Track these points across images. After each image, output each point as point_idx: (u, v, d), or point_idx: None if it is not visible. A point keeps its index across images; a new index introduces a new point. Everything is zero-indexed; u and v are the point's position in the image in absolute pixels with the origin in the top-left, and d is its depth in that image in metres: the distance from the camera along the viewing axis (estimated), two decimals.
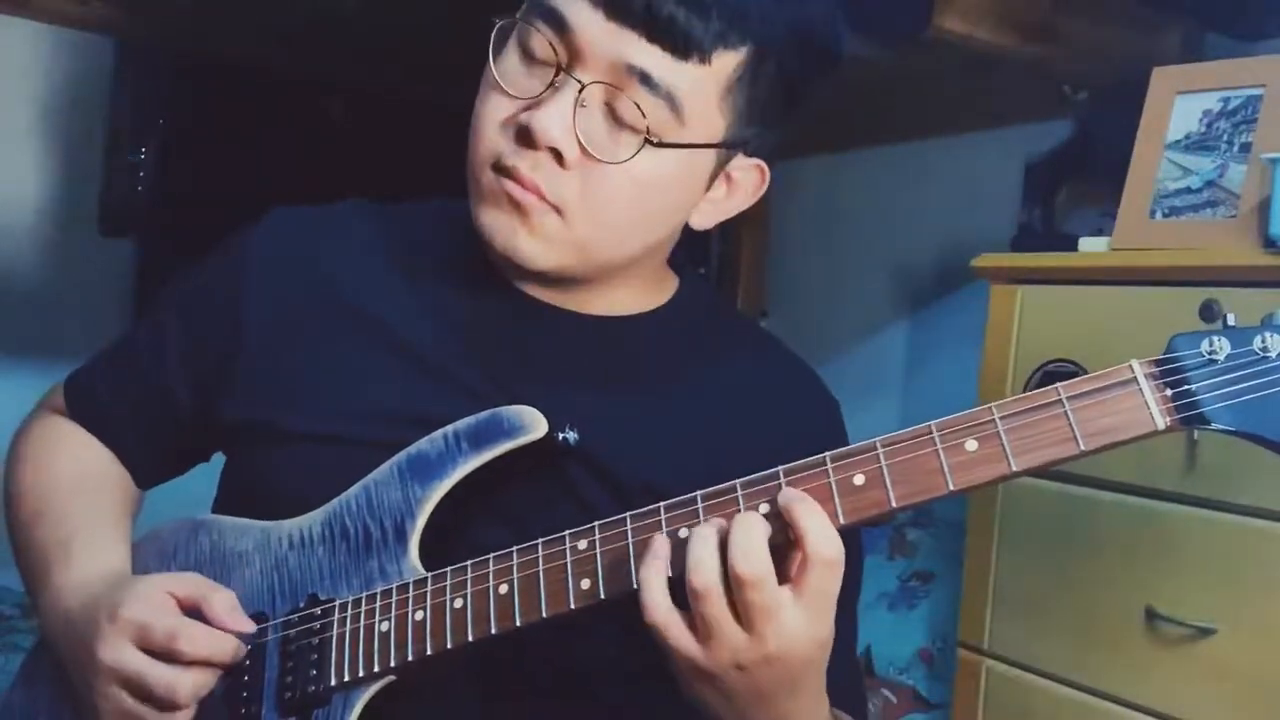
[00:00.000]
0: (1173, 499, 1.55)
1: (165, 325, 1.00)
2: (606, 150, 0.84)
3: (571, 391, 0.91)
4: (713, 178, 0.90)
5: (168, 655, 0.81)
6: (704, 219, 0.93)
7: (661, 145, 0.84)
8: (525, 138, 0.83)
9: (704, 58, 0.82)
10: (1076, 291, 1.69)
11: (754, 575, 0.70)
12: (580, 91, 0.82)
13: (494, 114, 0.86)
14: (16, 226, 2.63)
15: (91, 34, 2.67)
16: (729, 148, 0.88)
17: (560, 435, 0.86)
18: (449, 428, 0.87)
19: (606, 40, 0.82)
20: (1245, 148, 1.57)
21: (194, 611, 0.84)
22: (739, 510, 0.74)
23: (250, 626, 0.86)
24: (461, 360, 0.92)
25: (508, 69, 0.86)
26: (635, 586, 0.75)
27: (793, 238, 3.19)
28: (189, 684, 0.81)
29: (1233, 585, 1.48)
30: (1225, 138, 1.60)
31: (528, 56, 0.85)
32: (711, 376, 0.96)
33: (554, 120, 0.82)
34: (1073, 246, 1.74)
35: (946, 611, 2.07)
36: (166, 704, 0.81)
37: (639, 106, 0.82)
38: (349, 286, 0.96)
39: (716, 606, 0.71)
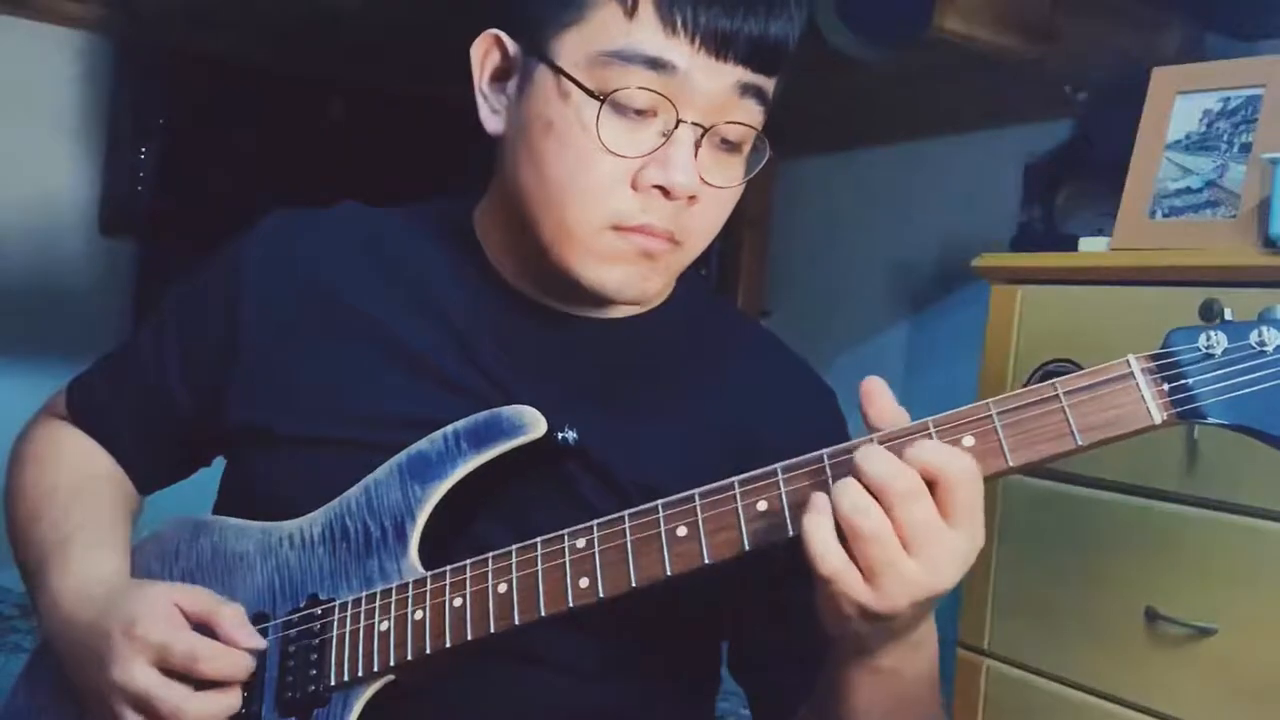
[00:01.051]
0: (1173, 499, 1.55)
1: (165, 331, 1.00)
2: (729, 177, 0.86)
3: (571, 392, 0.91)
4: None
5: (186, 675, 0.81)
6: None
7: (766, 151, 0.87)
8: (662, 193, 0.83)
9: (784, 68, 0.86)
10: (1076, 291, 1.69)
11: (913, 488, 0.67)
12: (701, 136, 0.83)
13: (604, 178, 0.83)
14: (17, 226, 2.64)
15: (91, 34, 2.67)
16: None
17: (559, 435, 0.86)
18: (449, 428, 0.87)
19: (713, 79, 0.82)
20: (1245, 148, 1.57)
21: (202, 627, 0.84)
22: (738, 507, 0.73)
23: (261, 643, 0.85)
24: (460, 361, 0.92)
25: (609, 130, 0.82)
26: (634, 585, 0.75)
27: (793, 238, 3.19)
28: (198, 708, 0.81)
29: (1233, 585, 1.48)
30: (1225, 138, 1.60)
31: (623, 111, 0.82)
32: (710, 376, 0.96)
33: (689, 174, 0.82)
34: (1073, 246, 1.74)
35: (946, 611, 2.07)
36: None
37: (743, 122, 0.85)
38: (347, 289, 0.96)
39: (890, 545, 0.67)
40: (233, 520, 0.95)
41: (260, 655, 0.86)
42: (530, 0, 0.87)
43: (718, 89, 0.82)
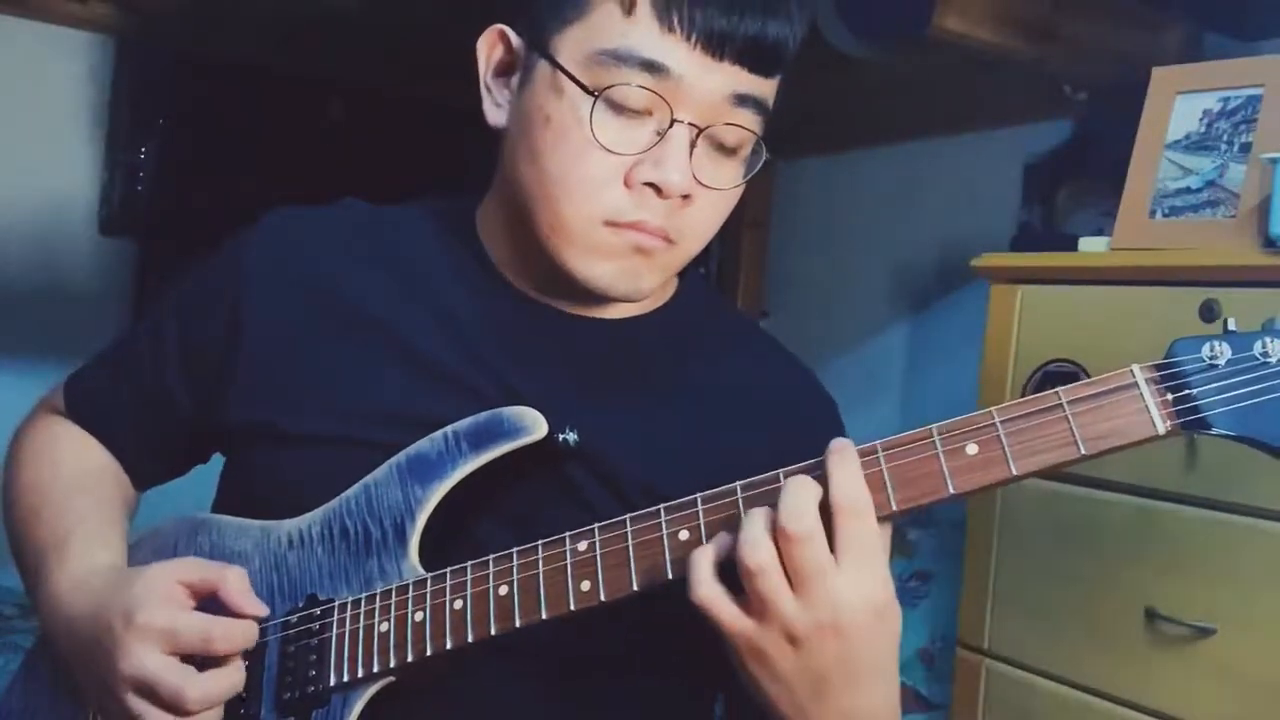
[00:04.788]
0: (1173, 499, 1.55)
1: (164, 328, 1.00)
2: (725, 179, 0.86)
3: (572, 392, 0.91)
4: None
5: (202, 656, 0.81)
6: None
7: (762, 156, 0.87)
8: (654, 191, 0.83)
9: (786, 66, 0.86)
10: (1076, 291, 1.69)
11: (803, 532, 0.68)
12: (696, 137, 0.83)
13: (598, 174, 0.84)
14: (16, 226, 2.64)
15: (91, 34, 2.67)
16: None
17: (560, 436, 0.86)
18: (449, 428, 0.87)
19: (710, 80, 0.82)
20: (1245, 148, 1.57)
21: (207, 596, 0.84)
22: (739, 512, 0.73)
23: (264, 610, 0.85)
24: (461, 360, 0.92)
25: (604, 127, 0.83)
26: (635, 589, 0.75)
27: (793, 238, 3.19)
28: (201, 688, 0.80)
29: (1233, 585, 1.48)
30: (1225, 138, 1.60)
31: (619, 109, 0.83)
32: (712, 377, 0.96)
33: (682, 172, 0.83)
34: (1073, 246, 1.74)
35: (946, 611, 2.07)
36: (174, 708, 0.80)
37: (742, 126, 0.85)
38: (347, 287, 0.95)
39: (771, 580, 0.69)
40: (231, 519, 0.95)
41: (258, 654, 0.86)
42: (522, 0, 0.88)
43: (714, 89, 0.82)
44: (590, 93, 0.82)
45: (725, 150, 0.86)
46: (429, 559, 0.85)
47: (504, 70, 0.91)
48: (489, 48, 0.91)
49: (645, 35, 0.81)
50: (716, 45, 0.81)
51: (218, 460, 1.03)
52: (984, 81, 2.28)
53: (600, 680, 0.91)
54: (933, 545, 2.27)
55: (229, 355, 0.95)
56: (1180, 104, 1.66)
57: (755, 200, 3.17)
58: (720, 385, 0.95)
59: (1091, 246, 1.71)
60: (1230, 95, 1.61)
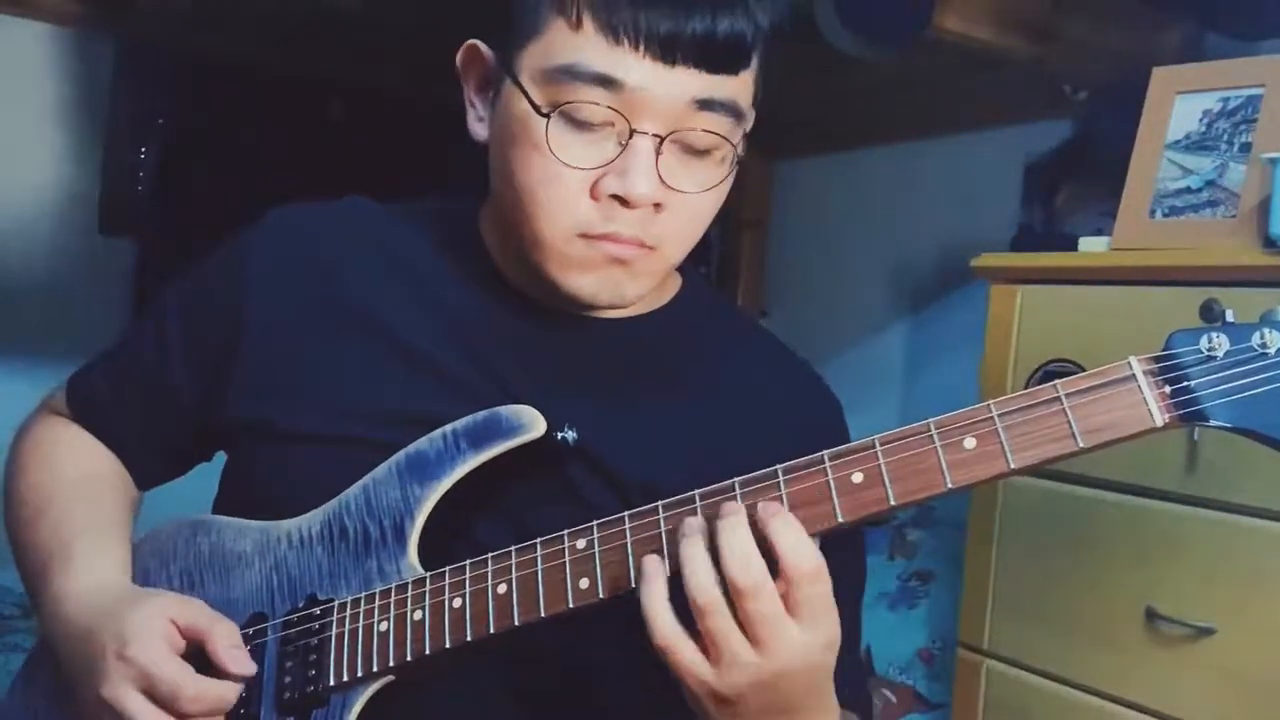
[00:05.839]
0: (1173, 499, 1.55)
1: (167, 326, 1.00)
2: (693, 182, 0.84)
3: (572, 391, 0.91)
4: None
5: (170, 709, 0.80)
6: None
7: (739, 157, 0.85)
8: (620, 203, 0.82)
9: (750, 61, 0.83)
10: (1076, 291, 1.69)
11: (751, 584, 0.70)
12: (660, 144, 0.81)
13: (565, 188, 0.83)
14: (16, 226, 2.64)
15: (91, 34, 2.67)
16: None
17: (559, 435, 0.86)
18: (448, 427, 0.87)
19: (665, 86, 0.80)
20: (1245, 148, 1.57)
21: (196, 643, 0.84)
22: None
23: (251, 669, 0.84)
24: (461, 359, 0.92)
25: (564, 143, 0.82)
26: (634, 587, 0.74)
27: (793, 238, 3.19)
28: None
29: (1233, 585, 1.48)
30: (1225, 138, 1.60)
31: (579, 124, 0.82)
32: (712, 375, 0.96)
33: (647, 181, 0.81)
34: (1073, 246, 1.74)
35: (946, 611, 2.07)
36: None
37: (710, 130, 0.83)
38: (350, 285, 0.95)
39: (722, 620, 0.70)
40: (231, 519, 0.95)
41: (258, 654, 0.86)
42: (499, 13, 0.87)
43: (672, 96, 0.80)
44: (542, 113, 0.82)
45: (696, 152, 0.84)
46: (428, 559, 0.85)
47: (483, 85, 0.90)
48: (465, 63, 0.91)
49: (594, 49, 0.80)
50: (666, 51, 0.79)
51: (219, 460, 1.03)
52: (984, 81, 2.28)
53: (600, 680, 0.91)
54: (933, 545, 2.27)
55: (230, 352, 0.95)
56: (1180, 104, 1.66)
57: (755, 200, 3.17)
58: (721, 384, 0.95)
59: (1091, 246, 1.71)
60: (1230, 95, 1.61)
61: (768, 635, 0.70)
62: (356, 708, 0.83)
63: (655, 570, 0.73)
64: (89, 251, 2.72)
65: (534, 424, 0.84)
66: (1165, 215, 1.64)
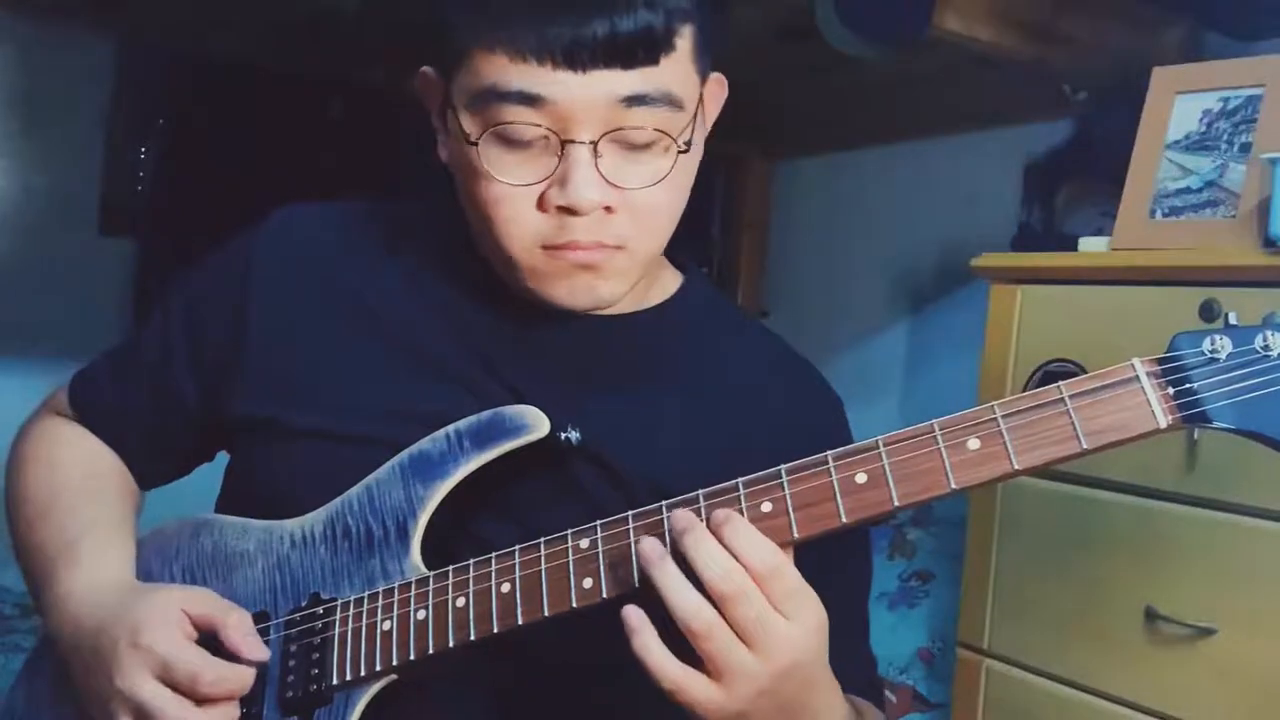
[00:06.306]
0: (1173, 499, 1.55)
1: (170, 326, 1.00)
2: (641, 177, 0.83)
3: (575, 389, 0.91)
4: (703, 119, 0.89)
5: (189, 693, 0.81)
6: (699, 150, 0.91)
7: (687, 144, 0.84)
8: (569, 213, 0.82)
9: (671, 47, 0.81)
10: (1076, 291, 1.69)
11: (736, 590, 0.71)
12: (594, 149, 0.81)
13: (515, 208, 0.83)
14: (16, 226, 2.63)
15: (91, 34, 2.67)
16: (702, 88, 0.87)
17: (562, 435, 0.86)
18: (451, 427, 0.87)
19: (584, 92, 0.79)
20: (1245, 148, 1.57)
21: (208, 632, 0.84)
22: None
23: (265, 654, 0.84)
24: (465, 358, 0.92)
25: (502, 164, 0.82)
26: (637, 587, 0.75)
27: (793, 238, 3.19)
28: None
29: (1233, 585, 1.48)
30: (1225, 138, 1.60)
31: (512, 143, 0.82)
32: (715, 373, 0.96)
33: (589, 188, 0.81)
34: (1073, 246, 1.74)
35: (946, 611, 2.07)
36: None
37: (645, 125, 0.82)
38: (353, 284, 0.96)
39: (720, 635, 0.71)
40: (234, 518, 0.95)
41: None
42: (433, 40, 0.87)
43: (592, 100, 0.79)
44: (470, 141, 0.82)
45: (637, 147, 0.83)
46: (433, 558, 0.85)
47: (440, 110, 0.90)
48: (422, 89, 0.91)
49: (509, 70, 0.79)
50: (573, 60, 0.78)
51: (222, 458, 1.03)
52: (984, 81, 2.28)
53: (604, 680, 0.91)
54: (933, 545, 2.27)
55: (233, 352, 0.95)
56: (1180, 104, 1.66)
57: (755, 200, 3.17)
58: (723, 381, 0.95)
59: (1091, 246, 1.71)
60: (1230, 95, 1.61)
61: (763, 635, 0.71)
62: (359, 707, 0.83)
63: (640, 621, 0.73)
64: (89, 251, 2.72)
65: (538, 424, 0.85)
66: (1165, 215, 1.64)
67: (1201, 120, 1.63)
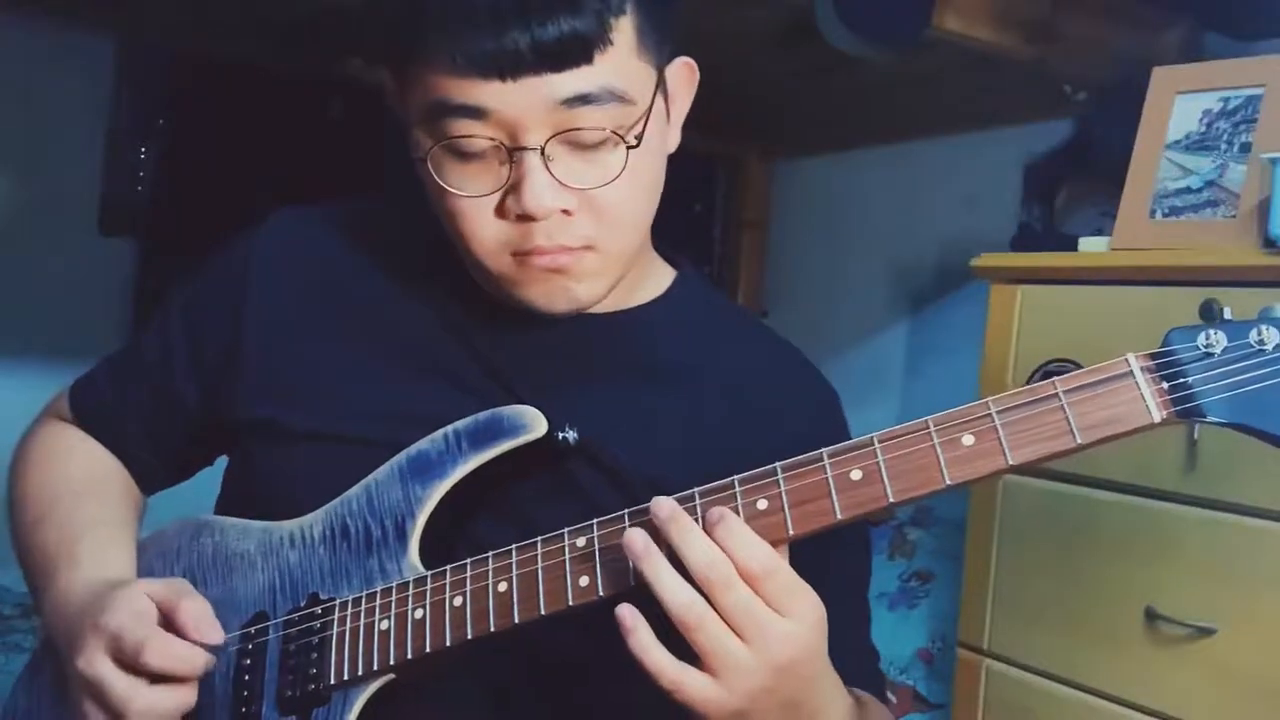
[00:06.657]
0: (1173, 499, 1.55)
1: (170, 328, 1.00)
2: (597, 176, 0.83)
3: (573, 388, 0.91)
4: (665, 110, 0.88)
5: (135, 667, 0.80)
6: (672, 142, 0.91)
7: (637, 138, 0.83)
8: (528, 219, 0.82)
9: (606, 43, 0.80)
10: (1076, 291, 1.69)
11: (721, 577, 0.71)
12: (542, 153, 0.80)
13: (477, 219, 0.84)
14: (16, 226, 2.63)
15: (91, 34, 2.67)
16: (660, 78, 0.86)
17: (560, 435, 0.86)
18: (449, 427, 0.87)
19: (520, 99, 0.79)
20: (1245, 148, 1.57)
21: (167, 616, 0.84)
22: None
23: (219, 638, 0.84)
24: (462, 359, 0.92)
25: (459, 176, 0.83)
26: (633, 585, 0.75)
27: (793, 238, 3.19)
28: (144, 701, 0.80)
29: (1233, 585, 1.48)
30: (1225, 138, 1.60)
31: (463, 156, 0.82)
32: (711, 369, 0.96)
33: (542, 193, 0.81)
34: (1073, 246, 1.74)
35: (946, 611, 2.07)
36: (118, 717, 0.80)
37: (591, 125, 0.81)
38: (351, 285, 0.96)
39: (712, 625, 0.71)
40: (234, 520, 0.95)
41: (260, 653, 0.86)
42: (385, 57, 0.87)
43: (531, 106, 0.79)
44: (423, 156, 0.82)
45: (588, 147, 0.82)
46: (431, 559, 0.85)
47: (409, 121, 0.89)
48: (390, 104, 0.90)
49: (449, 84, 0.79)
50: (506, 68, 0.78)
51: (221, 462, 1.03)
52: (984, 81, 2.28)
53: (601, 679, 0.91)
54: (933, 545, 2.27)
55: (233, 354, 0.95)
56: (1180, 104, 1.66)
57: (755, 200, 3.17)
58: (720, 377, 0.95)
59: (1091, 246, 1.71)
60: (1230, 95, 1.61)
61: (752, 625, 0.71)
62: (357, 706, 0.83)
63: (635, 619, 0.73)
64: (89, 251, 2.71)
65: (535, 424, 0.85)
66: (1165, 215, 1.64)
67: (1201, 120, 1.63)
